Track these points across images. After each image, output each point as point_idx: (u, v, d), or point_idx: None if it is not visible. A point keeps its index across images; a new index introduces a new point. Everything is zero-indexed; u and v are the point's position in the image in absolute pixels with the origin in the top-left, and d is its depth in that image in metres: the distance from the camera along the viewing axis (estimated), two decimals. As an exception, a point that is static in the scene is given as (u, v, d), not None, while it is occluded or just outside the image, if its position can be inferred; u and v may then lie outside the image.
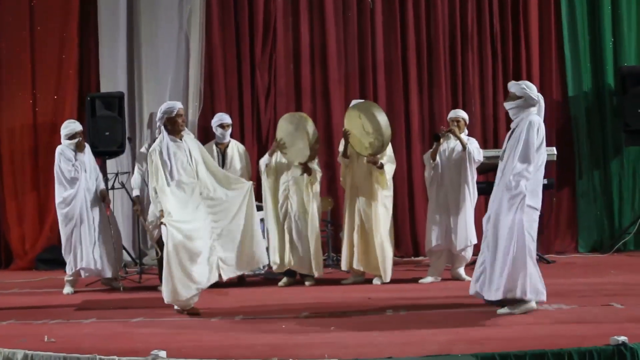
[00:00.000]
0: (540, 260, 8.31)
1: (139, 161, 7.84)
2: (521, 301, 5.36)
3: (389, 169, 7.38)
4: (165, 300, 5.95)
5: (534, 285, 5.35)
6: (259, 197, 8.77)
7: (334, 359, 4.11)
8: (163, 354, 4.23)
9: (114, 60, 9.82)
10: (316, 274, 7.40)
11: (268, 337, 4.91)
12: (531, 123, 5.39)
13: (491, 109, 9.73)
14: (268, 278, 7.84)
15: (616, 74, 9.44)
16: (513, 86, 5.59)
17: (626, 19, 9.57)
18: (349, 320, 5.53)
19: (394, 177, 9.35)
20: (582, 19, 9.61)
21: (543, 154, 5.47)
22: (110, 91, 9.51)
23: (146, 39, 9.87)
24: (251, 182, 6.49)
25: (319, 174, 7.54)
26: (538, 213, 5.50)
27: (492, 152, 8.56)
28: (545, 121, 9.52)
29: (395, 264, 8.53)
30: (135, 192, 7.78)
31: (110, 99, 9.21)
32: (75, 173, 7.52)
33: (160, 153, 5.95)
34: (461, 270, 7.41)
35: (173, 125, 6.06)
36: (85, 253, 7.48)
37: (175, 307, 6.02)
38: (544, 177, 8.54)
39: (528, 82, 5.64)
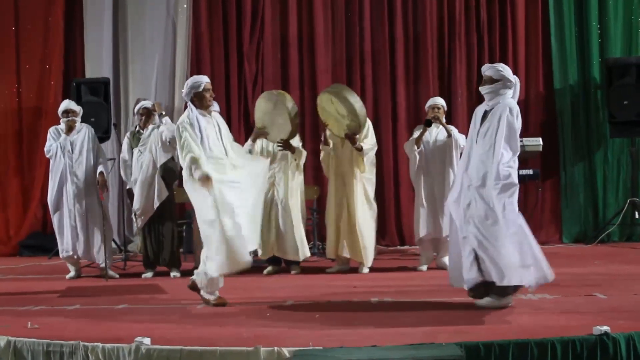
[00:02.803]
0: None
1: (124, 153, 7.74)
2: (503, 293, 5.32)
3: (370, 152, 7.37)
4: (217, 273, 5.63)
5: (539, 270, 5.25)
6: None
7: (319, 347, 4.11)
8: (147, 341, 4.21)
9: (100, 45, 9.76)
10: (301, 258, 7.40)
11: (253, 325, 4.91)
12: (511, 109, 5.28)
13: (476, 100, 9.74)
14: (253, 266, 7.81)
15: (602, 66, 9.47)
16: (489, 69, 5.46)
17: (612, 11, 9.59)
18: (333, 308, 5.53)
19: (380, 167, 9.42)
20: (569, 11, 9.63)
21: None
22: (96, 77, 9.45)
23: (132, 24, 9.81)
24: (268, 159, 6.30)
25: (303, 154, 7.51)
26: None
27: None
28: (530, 112, 9.70)
29: (381, 253, 8.61)
30: (129, 184, 7.64)
31: (96, 84, 9.16)
32: (52, 152, 7.41)
33: (191, 126, 5.63)
34: (446, 260, 7.42)
35: (201, 100, 5.78)
36: (65, 240, 7.39)
37: (205, 296, 5.74)
38: (530, 168, 8.72)
39: (503, 64, 5.52)
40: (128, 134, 7.77)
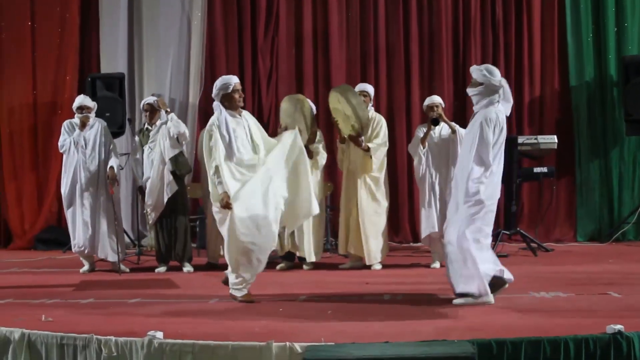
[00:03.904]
0: (539, 248, 8.35)
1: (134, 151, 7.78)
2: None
3: (379, 152, 7.36)
4: (247, 283, 5.64)
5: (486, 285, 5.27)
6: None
7: (331, 342, 4.11)
8: (160, 335, 4.23)
9: (115, 41, 9.80)
10: (314, 259, 7.41)
11: (265, 320, 4.92)
12: (488, 120, 5.18)
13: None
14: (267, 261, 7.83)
15: (619, 64, 9.40)
16: (474, 71, 5.35)
17: (630, 8, 9.51)
18: (346, 304, 5.53)
19: (394, 164, 9.42)
20: (586, 8, 9.55)
21: (501, 149, 5.28)
22: (111, 72, 9.48)
23: (147, 20, 9.84)
24: (296, 129, 6.01)
25: (322, 158, 7.50)
26: (493, 213, 5.35)
27: (492, 140, 8.57)
28: (545, 109, 9.64)
29: (394, 249, 8.60)
30: (140, 182, 7.65)
31: (111, 79, 9.20)
32: (65, 147, 7.44)
33: (219, 129, 5.56)
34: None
35: (230, 102, 5.70)
36: (77, 235, 7.41)
37: (234, 294, 5.69)
38: (545, 166, 8.67)
39: (490, 67, 5.38)
40: (137, 131, 7.81)
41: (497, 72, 5.34)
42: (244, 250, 5.53)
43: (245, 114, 5.85)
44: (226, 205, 5.46)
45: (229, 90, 5.70)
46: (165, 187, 7.35)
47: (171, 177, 7.35)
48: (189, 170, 7.72)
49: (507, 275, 5.43)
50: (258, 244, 5.54)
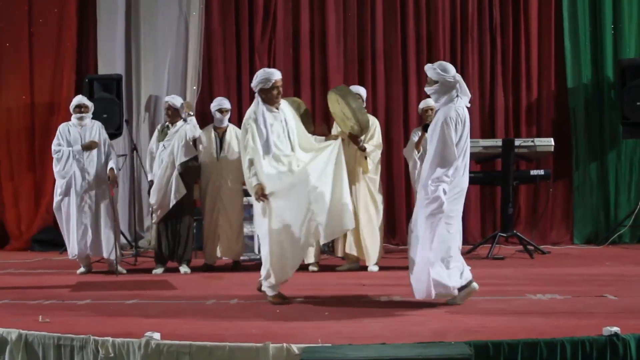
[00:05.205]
0: (536, 250, 8.36)
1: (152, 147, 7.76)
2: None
3: (374, 154, 7.38)
4: (274, 282, 5.59)
5: (438, 286, 5.26)
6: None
7: (328, 344, 4.12)
8: (157, 335, 4.23)
9: (112, 42, 9.80)
10: (313, 260, 7.42)
11: (262, 322, 4.92)
12: (448, 119, 5.18)
13: (489, 99, 9.74)
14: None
15: (616, 67, 9.42)
16: (429, 70, 5.35)
17: (627, 11, 9.54)
18: (343, 306, 5.53)
19: (390, 166, 9.44)
20: (583, 10, 9.58)
21: (466, 143, 5.26)
22: (109, 73, 9.48)
23: (145, 21, 9.84)
24: (339, 139, 5.85)
25: None
26: (455, 218, 5.32)
27: (489, 142, 8.60)
28: (542, 111, 9.66)
29: (390, 251, 8.61)
30: (150, 176, 7.65)
31: (108, 80, 9.20)
32: (60, 155, 7.37)
33: (256, 122, 5.49)
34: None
35: (268, 97, 5.59)
36: (71, 241, 7.36)
37: (267, 292, 5.67)
38: (541, 168, 8.68)
39: (444, 64, 5.37)
40: (159, 126, 7.80)
41: (451, 68, 5.34)
42: (277, 251, 5.48)
43: (283, 105, 5.73)
44: (262, 196, 5.39)
45: (268, 86, 5.59)
46: (174, 192, 7.33)
47: (180, 182, 7.34)
48: (196, 178, 7.68)
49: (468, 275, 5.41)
50: (291, 248, 5.51)
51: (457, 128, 5.20)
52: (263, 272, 5.66)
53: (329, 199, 5.48)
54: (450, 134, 5.17)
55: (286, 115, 5.68)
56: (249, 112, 5.64)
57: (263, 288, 5.71)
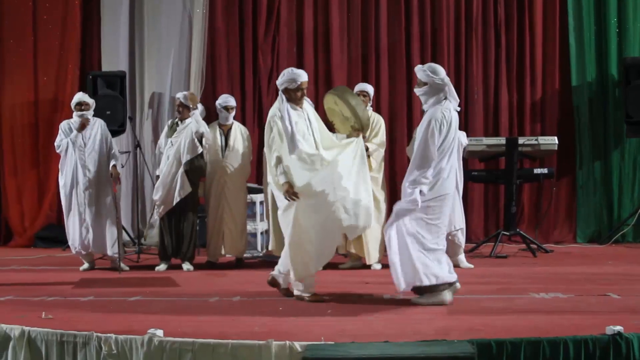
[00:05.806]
0: (539, 249, 8.35)
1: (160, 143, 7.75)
2: (429, 290, 5.32)
3: (376, 153, 7.36)
4: (294, 278, 5.61)
5: (427, 270, 5.25)
6: (259, 180, 8.80)
7: (330, 342, 4.12)
8: (160, 332, 4.24)
9: (116, 39, 9.80)
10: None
11: (265, 319, 4.92)
12: (434, 121, 5.19)
13: (493, 97, 9.72)
14: (266, 260, 7.85)
15: (620, 65, 9.40)
16: (418, 72, 5.36)
17: (632, 9, 9.49)
18: (346, 304, 5.54)
19: (394, 164, 9.43)
20: (588, 8, 9.54)
21: (451, 145, 5.27)
22: (112, 70, 9.49)
23: (149, 18, 9.84)
24: (360, 136, 5.85)
25: None
26: (438, 220, 5.35)
27: (493, 140, 8.59)
28: (546, 109, 9.65)
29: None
30: (157, 172, 7.62)
31: (112, 77, 9.20)
32: (62, 148, 7.38)
33: (282, 119, 5.46)
34: (461, 257, 7.40)
35: (291, 96, 5.58)
36: (72, 237, 7.38)
37: (300, 294, 5.66)
38: (545, 167, 8.67)
39: (434, 66, 5.39)
40: (169, 122, 7.79)
41: (441, 70, 5.35)
42: (301, 247, 5.50)
43: (306, 104, 5.75)
44: (292, 194, 5.40)
45: (294, 87, 5.57)
46: (178, 189, 7.33)
47: (186, 179, 7.33)
48: (202, 175, 7.68)
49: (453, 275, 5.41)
50: (319, 247, 5.54)
51: (441, 129, 5.21)
52: (289, 271, 5.62)
53: (354, 197, 5.51)
54: (434, 134, 5.18)
55: (309, 114, 5.69)
56: (273, 110, 5.63)
57: (295, 292, 5.67)
